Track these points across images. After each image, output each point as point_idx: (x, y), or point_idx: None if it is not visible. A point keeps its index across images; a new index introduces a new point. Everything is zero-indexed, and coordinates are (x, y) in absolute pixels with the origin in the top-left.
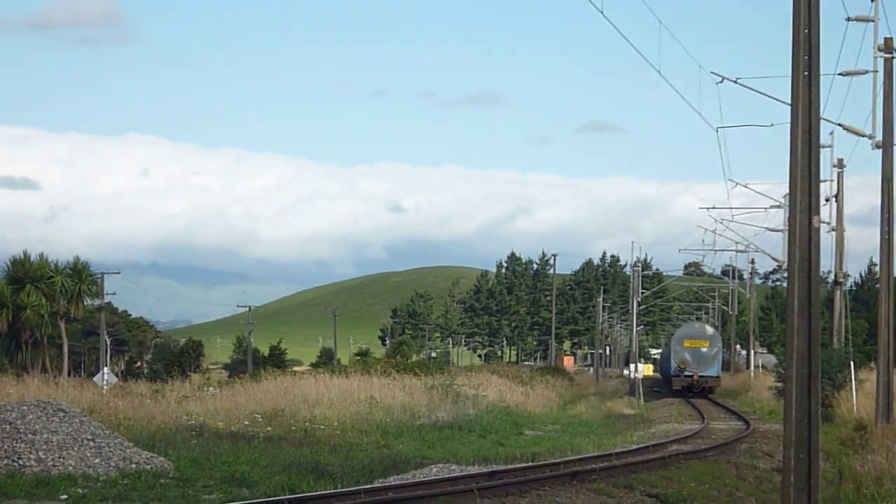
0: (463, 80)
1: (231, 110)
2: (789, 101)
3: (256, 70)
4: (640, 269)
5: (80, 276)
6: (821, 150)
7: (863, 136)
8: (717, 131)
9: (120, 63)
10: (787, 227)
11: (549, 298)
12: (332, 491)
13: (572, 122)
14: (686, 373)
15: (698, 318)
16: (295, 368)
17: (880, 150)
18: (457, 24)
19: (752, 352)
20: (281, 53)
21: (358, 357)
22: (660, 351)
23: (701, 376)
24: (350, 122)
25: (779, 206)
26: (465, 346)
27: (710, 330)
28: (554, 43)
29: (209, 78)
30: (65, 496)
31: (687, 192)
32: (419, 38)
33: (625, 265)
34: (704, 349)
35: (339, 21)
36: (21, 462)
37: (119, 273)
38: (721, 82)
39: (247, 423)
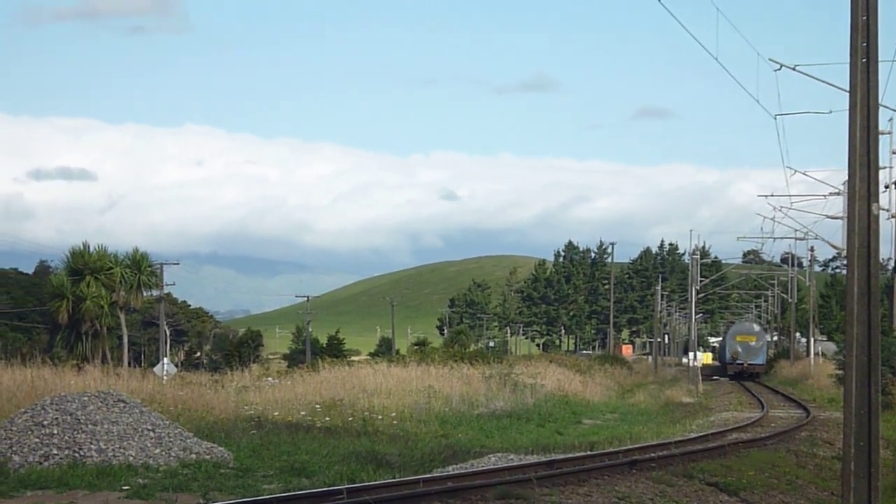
0: (513, 67)
1: (286, 100)
2: (848, 88)
3: (309, 59)
4: (698, 256)
5: (140, 267)
6: (880, 136)
7: None
8: (775, 118)
9: (171, 53)
10: (846, 215)
11: (607, 287)
12: (391, 480)
13: (627, 108)
14: (738, 361)
15: (757, 306)
16: (353, 358)
17: None
18: (506, 10)
19: (812, 339)
20: (333, 42)
21: (416, 347)
22: (719, 339)
23: (750, 364)
24: (404, 111)
25: (838, 194)
26: (523, 335)
27: (756, 327)
28: (607, 28)
29: (263, 68)
30: (126, 487)
31: (745, 180)
32: (468, 24)
33: (683, 253)
34: (752, 343)
35: (390, 9)
36: (82, 452)
37: (178, 264)
38: (779, 69)
39: (305, 413)
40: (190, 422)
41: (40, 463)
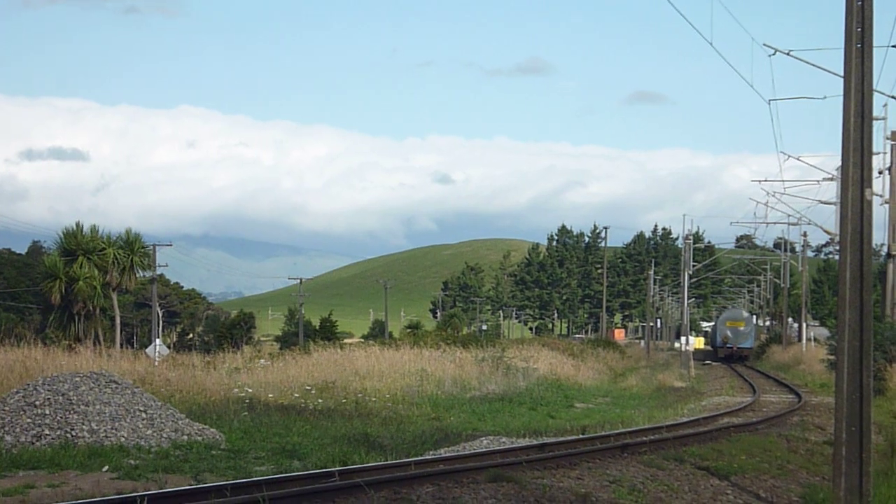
0: (508, 50)
1: (281, 83)
2: (842, 74)
3: (305, 42)
4: (691, 241)
5: (132, 248)
6: (874, 122)
7: None
8: (769, 103)
9: (166, 34)
10: (839, 200)
11: (600, 271)
12: (382, 463)
13: (620, 92)
14: (728, 345)
15: (750, 291)
16: (346, 341)
17: None
18: None
19: (804, 325)
20: (330, 25)
21: (409, 330)
22: (711, 324)
23: (739, 347)
24: (400, 94)
25: (831, 179)
26: (516, 318)
27: (745, 314)
28: (601, 12)
29: (258, 51)
30: (106, 468)
31: (739, 165)
32: (464, 7)
33: (676, 238)
34: (741, 328)
35: None
36: (74, 433)
37: (171, 245)
38: (773, 54)
39: (297, 395)
40: (182, 403)
41: (32, 443)
